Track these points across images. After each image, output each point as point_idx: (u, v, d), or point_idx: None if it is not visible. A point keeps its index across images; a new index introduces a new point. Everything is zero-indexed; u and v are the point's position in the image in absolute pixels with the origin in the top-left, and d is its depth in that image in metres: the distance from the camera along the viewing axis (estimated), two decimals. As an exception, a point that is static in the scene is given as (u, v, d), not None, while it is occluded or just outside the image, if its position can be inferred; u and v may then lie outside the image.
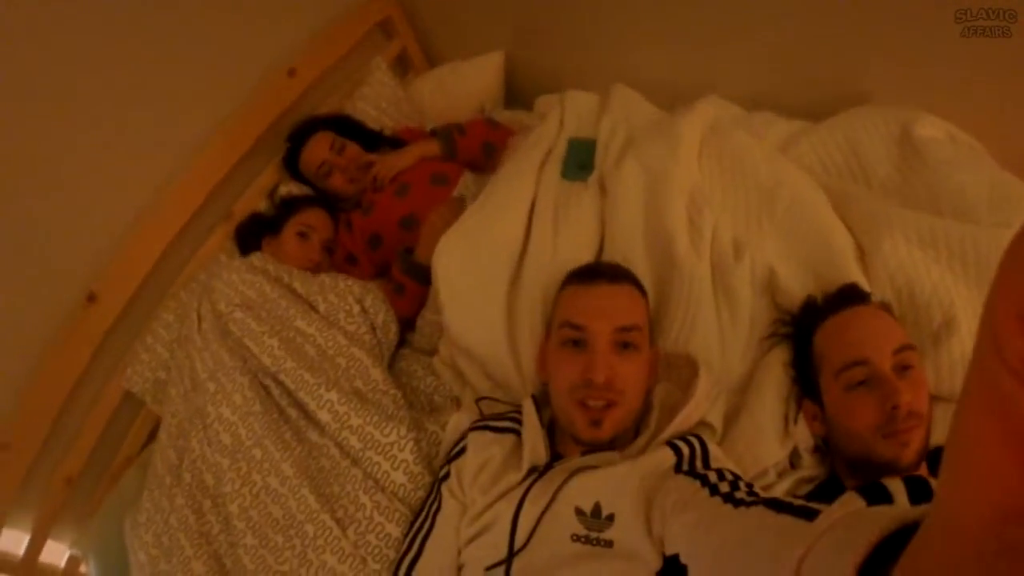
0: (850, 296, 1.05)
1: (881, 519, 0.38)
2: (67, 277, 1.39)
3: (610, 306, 1.02)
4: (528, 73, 1.94)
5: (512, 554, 0.91)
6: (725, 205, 1.26)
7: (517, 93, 1.97)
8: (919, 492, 0.51)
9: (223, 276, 1.42)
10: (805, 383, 1.06)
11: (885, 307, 1.05)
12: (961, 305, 1.08)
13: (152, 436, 1.50)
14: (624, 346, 1.00)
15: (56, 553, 1.45)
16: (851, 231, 1.21)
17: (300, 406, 1.23)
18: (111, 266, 1.43)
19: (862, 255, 1.17)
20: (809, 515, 0.56)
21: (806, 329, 1.06)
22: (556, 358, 1.03)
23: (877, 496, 0.50)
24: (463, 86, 1.89)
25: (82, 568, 1.44)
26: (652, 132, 1.34)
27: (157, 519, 1.20)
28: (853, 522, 0.43)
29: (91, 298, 1.40)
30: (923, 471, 0.93)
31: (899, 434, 0.90)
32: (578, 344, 1.00)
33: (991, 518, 0.21)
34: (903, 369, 0.94)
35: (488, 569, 0.93)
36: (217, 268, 1.49)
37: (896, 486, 0.52)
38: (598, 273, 1.06)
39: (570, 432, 0.99)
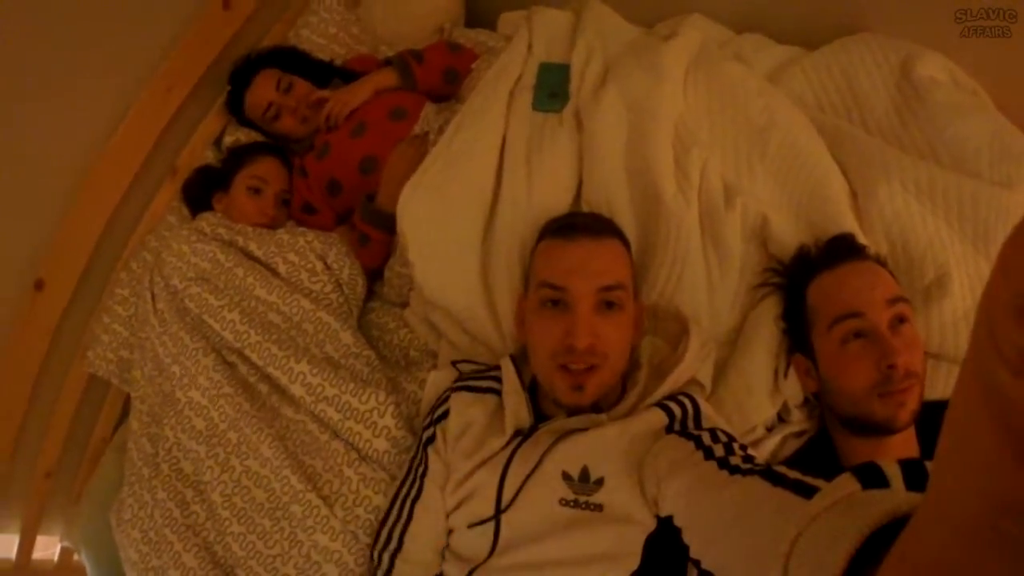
0: (845, 248, 1.01)
1: (874, 509, 0.38)
2: (11, 268, 1.31)
3: (592, 264, 0.95)
4: (489, -13, 1.76)
5: (499, 511, 0.90)
6: (713, 142, 1.16)
7: (479, 11, 1.78)
8: (916, 477, 0.49)
9: (173, 247, 1.32)
10: (797, 337, 1.02)
11: (880, 262, 1.01)
12: (955, 263, 1.04)
13: (125, 413, 1.44)
14: (608, 306, 0.94)
15: (48, 547, 1.44)
16: (845, 174, 1.15)
17: (271, 381, 1.18)
18: (55, 248, 1.34)
19: (856, 200, 1.12)
20: (805, 491, 0.56)
21: (799, 282, 1.03)
22: (535, 319, 0.97)
23: (873, 480, 0.49)
24: (419, 5, 1.69)
25: (75, 558, 1.43)
26: (633, 59, 1.21)
27: (141, 515, 1.16)
28: (846, 509, 0.43)
29: (39, 285, 1.33)
30: (911, 437, 0.94)
31: (895, 394, 0.89)
32: (558, 304, 0.94)
33: (985, 510, 0.21)
34: (898, 323, 0.92)
35: (473, 526, 0.92)
36: (167, 236, 1.39)
37: (893, 470, 0.50)
38: (578, 227, 0.99)
39: (551, 396, 0.96)
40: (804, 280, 1.01)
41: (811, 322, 0.98)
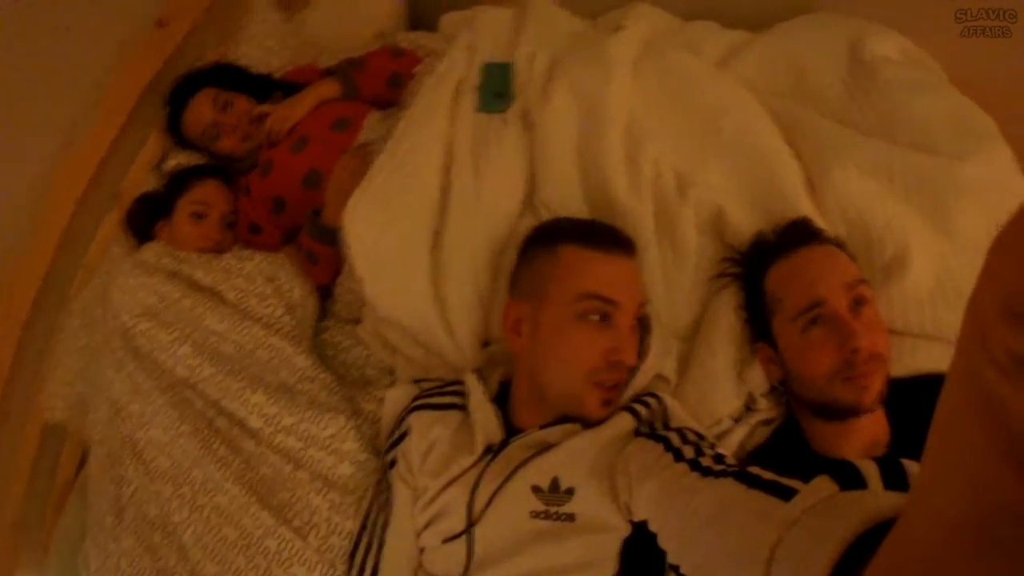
0: (802, 233, 1.00)
1: (855, 513, 0.38)
2: None
3: (635, 280, 0.96)
4: (432, -12, 1.72)
5: (471, 524, 0.89)
6: (665, 134, 1.15)
7: (421, 13, 1.75)
8: (893, 476, 0.48)
9: (118, 282, 1.28)
10: (758, 326, 1.01)
11: (839, 244, 1.01)
12: (914, 239, 1.04)
13: (86, 454, 1.39)
14: (640, 323, 0.95)
15: None
16: (800, 159, 1.14)
17: (227, 415, 1.14)
18: (0, 286, 1.29)
19: (811, 185, 1.11)
20: (782, 492, 0.55)
21: (757, 270, 1.01)
22: (572, 331, 0.91)
23: (850, 480, 0.50)
24: (359, 11, 1.66)
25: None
26: (580, 55, 1.20)
27: (108, 565, 1.12)
28: (826, 513, 0.43)
29: None
30: (880, 415, 0.93)
31: (859, 378, 0.88)
32: (604, 319, 0.91)
33: (974, 511, 0.21)
34: (858, 305, 0.92)
35: (447, 541, 0.91)
36: (112, 271, 1.34)
37: (870, 469, 0.50)
38: (615, 240, 0.96)
39: (571, 410, 0.92)
40: (762, 268, 1.00)
41: (771, 311, 0.97)
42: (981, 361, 0.19)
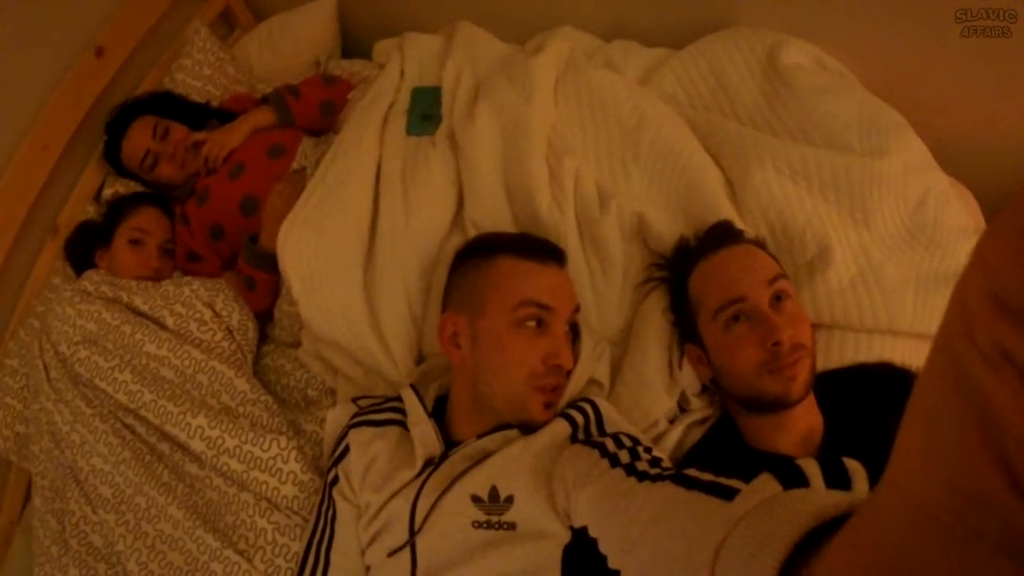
0: (722, 235, 1.02)
1: (801, 512, 0.37)
2: None
3: (568, 287, 1.00)
4: (364, 17, 1.74)
5: (413, 534, 0.89)
6: (586, 149, 1.19)
7: (354, 41, 1.78)
8: (834, 475, 0.50)
9: (57, 311, 1.27)
10: (685, 327, 1.03)
11: (759, 243, 1.03)
12: (835, 234, 1.07)
13: (30, 492, 1.37)
14: (572, 328, 0.98)
15: None
16: (720, 165, 1.17)
17: (170, 439, 1.14)
18: None
19: (732, 189, 1.14)
20: (722, 492, 0.54)
21: (680, 273, 1.04)
22: (510, 338, 0.93)
23: (792, 479, 0.49)
24: (294, 39, 1.68)
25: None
26: (503, 76, 1.23)
27: None
28: (770, 512, 0.42)
29: None
30: (812, 406, 0.94)
31: (784, 369, 0.89)
32: (541, 325, 0.94)
33: (949, 500, 0.21)
34: (778, 300, 0.93)
35: (391, 555, 0.91)
36: (51, 300, 1.33)
37: (812, 468, 0.51)
38: (549, 252, 1.01)
39: (516, 416, 0.94)
40: (685, 271, 1.03)
41: (696, 311, 1.00)
42: (966, 352, 0.19)
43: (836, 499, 0.38)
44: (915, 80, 1.32)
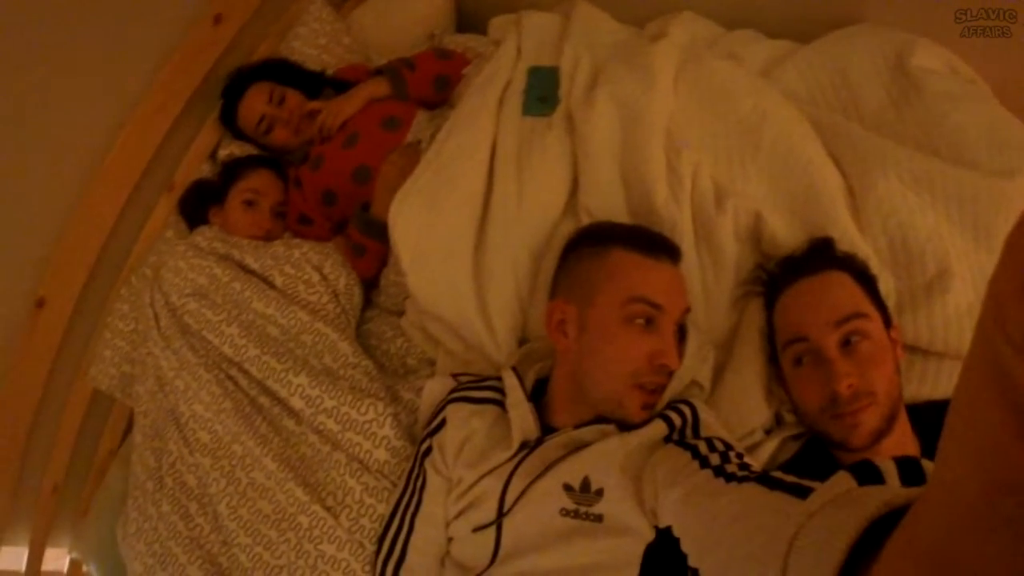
0: (808, 259, 0.99)
1: (870, 502, 0.38)
2: (11, 287, 1.30)
3: (680, 286, 0.98)
4: (480, -9, 1.74)
5: (501, 515, 0.90)
6: (704, 144, 1.14)
7: (470, 16, 1.77)
8: (912, 474, 0.49)
9: (170, 263, 1.33)
10: (772, 349, 1.02)
11: (856, 267, 0.97)
12: (956, 257, 1.01)
13: (131, 425, 1.44)
14: (680, 330, 0.96)
15: (57, 559, 1.44)
16: (841, 169, 1.12)
17: (271, 394, 1.18)
18: (55, 266, 1.33)
19: (852, 196, 1.09)
20: (802, 493, 0.55)
21: (771, 296, 1.02)
22: (618, 333, 0.92)
23: (868, 477, 0.49)
24: (409, 12, 1.69)
25: (84, 570, 1.43)
26: (622, 62, 1.20)
27: (146, 528, 1.17)
28: (843, 504, 0.43)
29: (40, 303, 1.32)
30: (910, 438, 0.91)
31: (846, 416, 0.87)
32: (649, 323, 0.92)
33: (988, 491, 0.21)
34: (849, 343, 0.89)
35: (477, 530, 0.93)
36: (164, 252, 1.39)
37: (888, 467, 0.50)
38: (665, 248, 0.98)
39: (611, 412, 0.93)
40: (774, 296, 1.01)
41: (774, 340, 0.99)
42: (998, 341, 0.19)
43: (908, 492, 0.39)
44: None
